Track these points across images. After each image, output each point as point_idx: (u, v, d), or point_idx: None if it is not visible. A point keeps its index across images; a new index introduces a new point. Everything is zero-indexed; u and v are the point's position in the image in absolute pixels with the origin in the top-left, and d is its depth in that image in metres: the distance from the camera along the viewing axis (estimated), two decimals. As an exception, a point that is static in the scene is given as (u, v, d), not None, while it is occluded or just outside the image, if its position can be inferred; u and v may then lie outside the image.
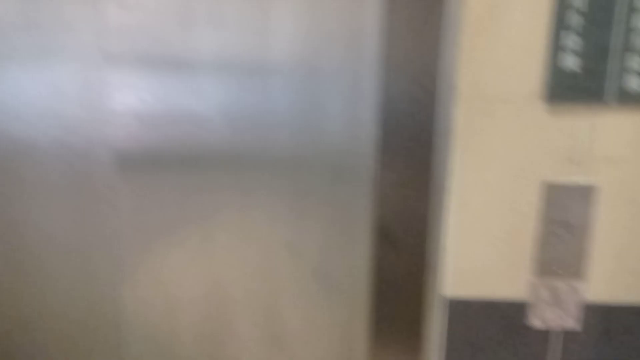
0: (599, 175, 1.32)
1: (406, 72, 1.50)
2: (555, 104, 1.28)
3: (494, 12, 1.25)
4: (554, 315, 1.39)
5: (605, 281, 1.39)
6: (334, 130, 1.58)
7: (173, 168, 1.63)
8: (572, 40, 1.21)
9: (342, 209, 1.63)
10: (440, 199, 1.45)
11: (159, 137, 1.61)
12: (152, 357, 1.79)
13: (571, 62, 1.22)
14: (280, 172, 1.62)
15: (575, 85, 1.23)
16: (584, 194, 1.32)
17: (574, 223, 1.33)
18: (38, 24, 1.56)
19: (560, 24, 1.21)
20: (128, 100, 1.58)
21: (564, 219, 1.33)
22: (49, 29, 1.56)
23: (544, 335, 1.42)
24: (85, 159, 1.64)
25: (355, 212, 1.64)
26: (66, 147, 1.64)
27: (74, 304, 1.75)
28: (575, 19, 1.20)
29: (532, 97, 1.28)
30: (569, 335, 1.42)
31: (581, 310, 1.40)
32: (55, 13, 1.55)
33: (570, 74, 1.23)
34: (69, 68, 1.58)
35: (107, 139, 1.62)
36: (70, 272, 1.73)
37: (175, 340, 1.77)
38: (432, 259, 1.59)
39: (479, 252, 1.39)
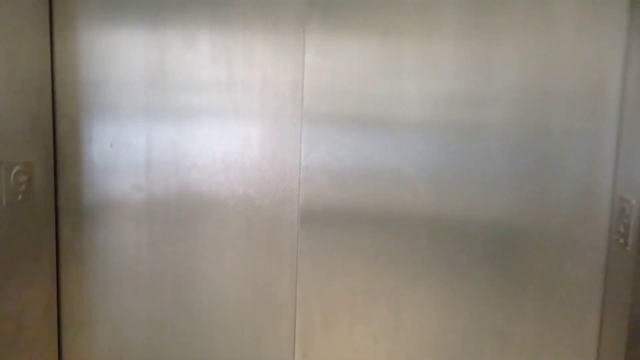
0: None
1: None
2: None
3: None
4: None
5: None
6: (562, 197, 1.32)
7: (361, 229, 1.44)
8: None
9: (570, 292, 1.34)
10: None
11: (349, 195, 1.43)
12: None
13: None
14: (491, 243, 1.37)
15: None
16: None
17: None
18: (234, 83, 1.47)
19: None
20: (320, 157, 1.43)
21: None
22: (246, 86, 1.47)
23: None
24: (266, 215, 1.49)
25: (588, 297, 1.34)
26: (247, 202, 1.50)
27: (240, 350, 1.57)
28: None
29: None
30: None
31: None
32: (254, 73, 1.46)
33: None
34: (265, 125, 1.46)
35: (293, 195, 1.47)
36: (239, 333, 1.55)
37: None
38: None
39: None
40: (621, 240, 1.18)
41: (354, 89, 1.39)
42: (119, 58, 1.52)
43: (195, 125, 1.50)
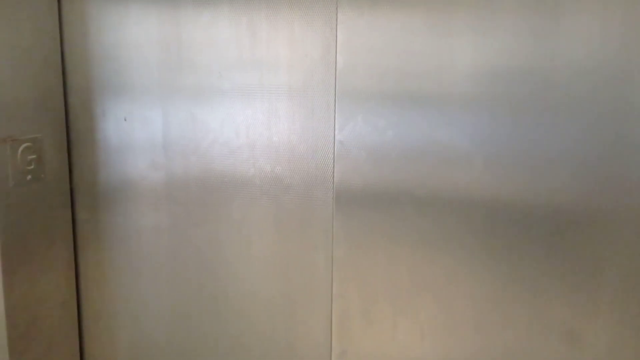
0: None
1: None
2: None
3: None
4: None
5: None
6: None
7: (405, 211, 1.25)
8: None
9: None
10: None
11: (391, 173, 1.24)
12: None
13: None
14: (558, 230, 1.16)
15: None
16: None
17: None
18: (257, 45, 1.29)
19: None
20: (357, 129, 1.24)
21: None
22: (271, 48, 1.28)
23: None
24: (297, 195, 1.32)
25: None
26: (276, 181, 1.33)
27: (270, 346, 1.43)
28: None
29: None
30: None
31: None
32: (280, 32, 1.27)
33: None
34: (293, 93, 1.28)
35: (326, 172, 1.29)
36: (269, 328, 1.41)
37: None
38: None
39: None
40: None
41: (396, 50, 1.19)
42: (131, 23, 1.36)
43: (215, 95, 1.33)
